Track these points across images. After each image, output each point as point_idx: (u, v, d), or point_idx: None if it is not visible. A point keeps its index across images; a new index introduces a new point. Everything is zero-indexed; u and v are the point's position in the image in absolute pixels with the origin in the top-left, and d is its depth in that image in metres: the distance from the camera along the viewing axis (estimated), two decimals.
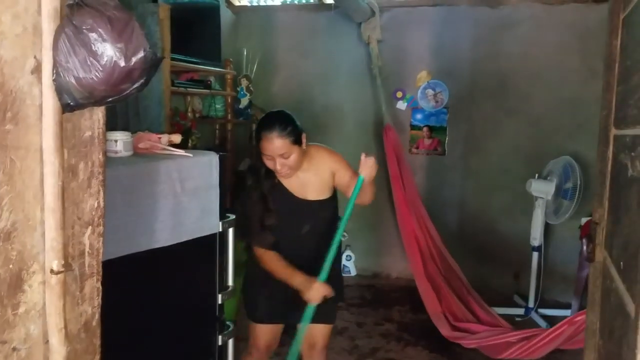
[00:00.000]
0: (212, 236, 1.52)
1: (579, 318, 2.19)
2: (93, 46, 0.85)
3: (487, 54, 4.48)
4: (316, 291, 2.03)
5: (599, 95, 4.17)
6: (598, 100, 4.07)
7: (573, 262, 4.18)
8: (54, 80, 0.90)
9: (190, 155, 1.41)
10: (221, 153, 1.55)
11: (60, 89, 0.90)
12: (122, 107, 2.85)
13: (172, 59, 3.57)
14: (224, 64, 4.24)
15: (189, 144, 4.25)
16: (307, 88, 5.00)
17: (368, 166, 2.15)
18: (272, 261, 2.10)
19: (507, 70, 4.44)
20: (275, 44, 5.03)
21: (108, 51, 0.85)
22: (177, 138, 1.55)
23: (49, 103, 0.92)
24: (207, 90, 3.97)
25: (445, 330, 3.29)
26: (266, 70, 5.06)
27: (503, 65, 4.44)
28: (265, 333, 2.30)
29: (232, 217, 1.63)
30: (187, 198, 1.38)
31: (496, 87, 4.48)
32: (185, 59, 3.82)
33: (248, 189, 2.10)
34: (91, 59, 0.85)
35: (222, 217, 1.54)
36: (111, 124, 2.86)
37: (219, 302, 1.58)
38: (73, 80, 0.88)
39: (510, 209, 4.49)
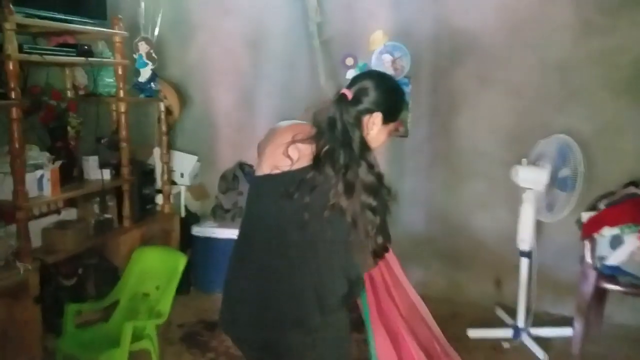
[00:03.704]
0: None
1: None
2: None
3: (456, 8, 3.55)
4: None
5: (597, 55, 3.19)
6: (596, 61, 3.14)
7: (566, 265, 3.42)
8: None
9: None
10: None
11: None
12: None
13: (23, 14, 2.48)
14: (110, 23, 3.14)
15: (69, 132, 3.17)
16: (233, 56, 3.97)
17: None
18: None
19: (480, 28, 3.52)
20: None
21: None
22: None
23: None
24: (82, 59, 2.87)
25: None
26: (179, 33, 3.99)
27: (475, 21, 3.52)
28: None
29: None
30: None
31: (467, 49, 3.56)
32: (48, 14, 2.71)
33: (382, 186, 1.53)
34: None
35: None
36: None
37: None
38: None
39: (488, 201, 3.63)
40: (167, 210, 3.60)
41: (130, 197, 3.26)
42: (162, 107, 3.55)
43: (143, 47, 3.36)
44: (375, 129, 1.56)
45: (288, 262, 1.52)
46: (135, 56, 3.36)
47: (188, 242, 3.72)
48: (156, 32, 3.42)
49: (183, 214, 3.83)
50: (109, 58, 3.21)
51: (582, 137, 3.21)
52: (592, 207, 3.25)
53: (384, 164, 3.78)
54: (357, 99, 1.52)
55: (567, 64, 3.39)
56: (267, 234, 1.53)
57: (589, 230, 3.11)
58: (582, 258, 3.14)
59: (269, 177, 1.51)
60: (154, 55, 3.37)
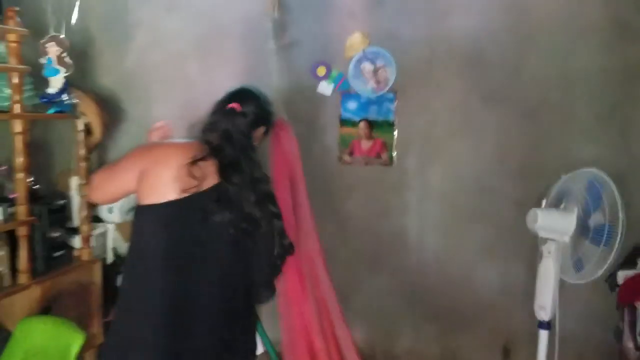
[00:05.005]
0: None
1: None
2: None
3: (454, 6, 2.85)
4: None
5: (635, 66, 2.33)
6: (634, 74, 2.15)
7: (593, 331, 2.72)
8: None
9: None
10: None
11: None
12: None
13: None
14: (2, 17, 2.39)
15: None
16: (178, 61, 3.22)
17: None
18: None
19: (484, 31, 2.82)
20: None
21: None
22: None
23: None
24: None
25: None
26: (113, 33, 3.25)
27: (478, 22, 2.82)
28: None
29: None
30: None
31: (468, 57, 2.86)
32: None
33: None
34: None
35: None
36: None
37: None
38: None
39: (495, 249, 2.89)
40: (86, 256, 2.82)
41: (29, 244, 2.48)
42: (79, 125, 2.78)
43: (53, 50, 2.58)
44: (257, 141, 1.66)
45: (231, 279, 1.54)
46: (43, 61, 2.61)
47: (115, 296, 2.94)
48: (72, 23, 2.68)
49: (110, 259, 3.06)
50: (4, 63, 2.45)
51: (616, 171, 2.47)
52: (630, 262, 2.53)
53: (362, 198, 3.06)
54: (245, 113, 1.58)
55: (597, 77, 2.69)
56: (202, 261, 1.51)
57: (627, 296, 2.38)
58: (619, 331, 2.41)
59: (182, 202, 1.46)
60: (66, 60, 2.61)
